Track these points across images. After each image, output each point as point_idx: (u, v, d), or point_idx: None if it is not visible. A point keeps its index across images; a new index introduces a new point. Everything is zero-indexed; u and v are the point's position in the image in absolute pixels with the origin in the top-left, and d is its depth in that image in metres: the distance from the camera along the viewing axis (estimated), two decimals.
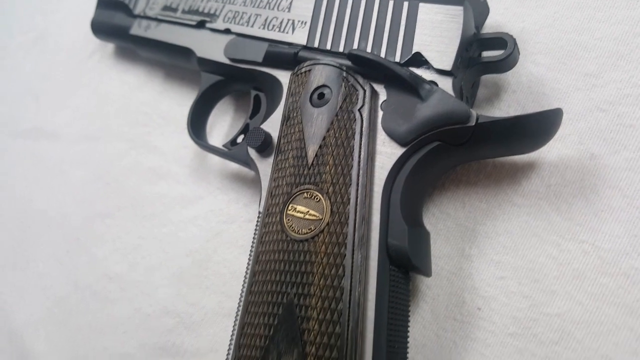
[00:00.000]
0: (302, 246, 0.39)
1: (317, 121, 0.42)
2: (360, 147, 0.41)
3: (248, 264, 0.43)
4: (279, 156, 0.44)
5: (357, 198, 0.39)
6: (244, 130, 0.53)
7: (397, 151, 0.40)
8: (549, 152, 0.42)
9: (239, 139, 0.53)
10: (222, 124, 0.61)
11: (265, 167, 0.46)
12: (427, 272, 0.39)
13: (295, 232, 0.40)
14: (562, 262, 0.39)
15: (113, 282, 0.60)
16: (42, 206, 0.71)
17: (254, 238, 0.44)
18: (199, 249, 0.56)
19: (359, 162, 0.40)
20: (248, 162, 0.49)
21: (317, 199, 0.40)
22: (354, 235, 0.38)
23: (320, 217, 0.39)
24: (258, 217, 0.44)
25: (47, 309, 0.64)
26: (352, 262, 0.37)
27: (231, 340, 0.41)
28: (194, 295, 0.54)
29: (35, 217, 0.71)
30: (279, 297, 0.38)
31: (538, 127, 0.37)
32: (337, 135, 0.41)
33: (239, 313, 0.42)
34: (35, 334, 0.64)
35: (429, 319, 0.42)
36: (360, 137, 0.41)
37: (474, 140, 0.39)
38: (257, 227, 0.44)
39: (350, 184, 0.40)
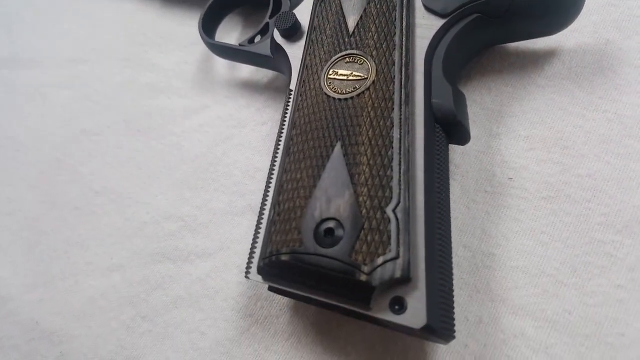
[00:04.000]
0: (346, 103, 0.39)
1: None
2: (402, 17, 0.42)
3: (278, 142, 0.42)
4: (313, 33, 0.44)
5: (402, 60, 0.40)
6: (263, 30, 0.52)
7: (438, 22, 0.42)
8: (567, 40, 0.45)
9: (257, 39, 0.52)
10: (229, 40, 0.60)
11: (295, 50, 0.46)
12: (468, 133, 0.40)
13: (338, 92, 0.40)
14: (588, 130, 0.41)
15: (100, 196, 0.56)
16: (10, 133, 0.65)
17: (283, 120, 0.43)
18: (206, 153, 0.53)
19: (402, 29, 0.41)
20: (270, 54, 0.48)
21: (360, 61, 0.40)
22: (401, 92, 0.38)
23: (365, 77, 0.40)
24: (289, 95, 0.43)
25: (13, 233, 0.58)
26: (400, 115, 0.37)
27: (259, 221, 0.39)
28: (200, 198, 0.51)
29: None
30: (323, 151, 0.38)
31: None
32: (377, 6, 0.42)
33: (273, 178, 0.40)
34: None
35: (458, 194, 0.43)
36: (402, 9, 0.42)
37: (511, 12, 0.41)
38: (290, 102, 0.43)
39: (394, 48, 0.40)
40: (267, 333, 0.43)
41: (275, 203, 0.38)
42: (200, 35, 0.54)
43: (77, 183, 0.57)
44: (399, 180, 0.35)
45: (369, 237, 0.34)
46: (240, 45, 0.52)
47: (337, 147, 0.37)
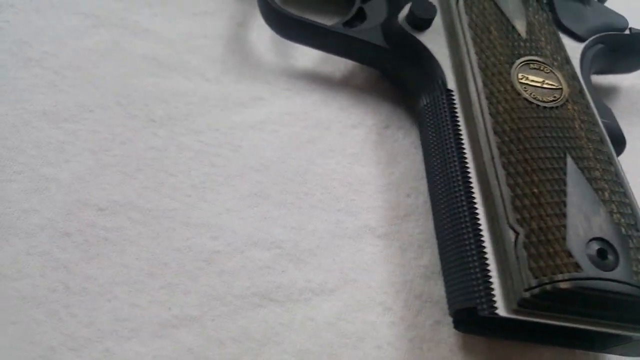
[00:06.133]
0: (554, 113, 0.36)
1: None
2: (557, 32, 0.41)
3: (461, 150, 0.36)
4: (470, 31, 0.40)
5: (580, 73, 0.39)
6: (358, 14, 0.43)
7: (579, 45, 0.42)
8: (621, 81, 0.52)
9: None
10: None
11: (436, 45, 0.40)
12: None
13: (539, 100, 0.36)
14: None
15: (111, 215, 0.36)
16: None
17: (455, 126, 0.37)
18: (284, 159, 0.40)
19: (561, 45, 0.41)
20: (386, 45, 0.41)
21: (546, 70, 0.38)
22: (593, 106, 0.38)
23: (560, 87, 0.37)
24: (450, 96, 0.38)
25: None
26: (602, 131, 0.37)
27: (478, 245, 0.32)
28: (293, 217, 0.38)
29: None
30: (555, 163, 0.34)
31: None
32: (536, 15, 0.41)
33: (476, 192, 0.34)
34: None
35: None
36: (553, 26, 0.42)
37: (625, 47, 0.45)
38: (458, 105, 0.37)
39: (567, 62, 0.39)
40: None
41: (514, 222, 0.32)
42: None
43: (55, 194, 0.35)
44: (630, 198, 0.34)
45: (639, 256, 0.32)
46: (331, 27, 0.42)
47: (569, 160, 0.34)
